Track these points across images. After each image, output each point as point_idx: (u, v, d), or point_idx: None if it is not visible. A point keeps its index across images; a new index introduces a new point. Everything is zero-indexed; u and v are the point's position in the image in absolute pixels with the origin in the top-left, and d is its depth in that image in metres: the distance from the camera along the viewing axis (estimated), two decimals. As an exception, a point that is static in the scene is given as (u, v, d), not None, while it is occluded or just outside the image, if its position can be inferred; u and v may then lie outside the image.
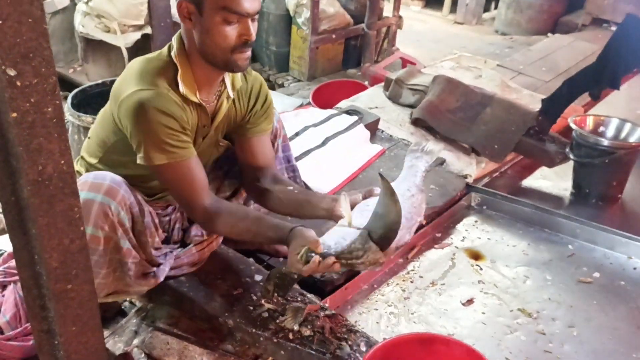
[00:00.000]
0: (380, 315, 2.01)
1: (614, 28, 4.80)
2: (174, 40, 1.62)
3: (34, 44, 0.90)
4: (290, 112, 3.08)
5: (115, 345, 1.71)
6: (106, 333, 1.75)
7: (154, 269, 1.69)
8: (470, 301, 2.07)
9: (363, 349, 1.60)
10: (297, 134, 2.66)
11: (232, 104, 1.75)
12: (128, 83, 1.55)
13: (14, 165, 1.00)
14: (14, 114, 0.92)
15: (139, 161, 1.55)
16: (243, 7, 1.49)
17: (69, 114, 2.54)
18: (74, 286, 1.12)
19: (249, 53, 1.60)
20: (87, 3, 3.87)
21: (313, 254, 1.49)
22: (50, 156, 0.99)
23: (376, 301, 2.08)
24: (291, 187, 1.79)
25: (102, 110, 1.72)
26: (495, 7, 6.74)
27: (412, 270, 2.24)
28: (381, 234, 1.71)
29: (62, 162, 1.00)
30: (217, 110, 1.71)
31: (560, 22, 5.90)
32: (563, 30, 5.66)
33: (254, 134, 1.81)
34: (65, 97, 2.69)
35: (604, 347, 1.87)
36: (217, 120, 1.72)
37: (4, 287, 1.71)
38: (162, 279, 1.70)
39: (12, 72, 0.89)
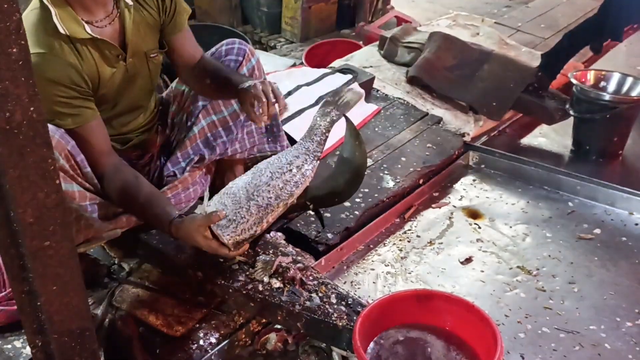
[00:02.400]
0: (377, 275, 1.97)
1: (614, -17, 4.66)
2: None
3: (-9, -25, 0.82)
4: (282, 71, 3.00)
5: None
6: (94, 297, 1.71)
7: None
8: (468, 260, 2.03)
9: (333, 301, 1.56)
10: (289, 94, 2.58)
11: (140, 11, 1.65)
12: None
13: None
14: (-26, 55, 0.85)
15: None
16: None
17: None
18: (52, 243, 1.06)
19: None
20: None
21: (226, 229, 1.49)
22: (18, 102, 0.91)
23: (373, 261, 2.03)
24: (213, 69, 1.77)
25: None
26: (493, -34, 6.56)
27: (409, 230, 2.19)
28: (348, 178, 1.67)
29: (32, 109, 0.93)
30: (123, 24, 1.61)
31: (559, -21, 5.74)
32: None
33: (170, 35, 1.75)
34: None
35: (605, 302, 1.84)
36: (130, 36, 1.62)
37: (-14, 251, 1.65)
38: (134, 218, 1.67)
39: (-32, 8, 0.82)
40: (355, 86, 1.80)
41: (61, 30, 1.47)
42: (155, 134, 1.89)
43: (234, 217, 1.54)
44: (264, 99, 1.59)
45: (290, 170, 1.60)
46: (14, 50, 0.87)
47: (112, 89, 1.62)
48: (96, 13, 1.54)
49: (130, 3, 1.61)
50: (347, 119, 1.61)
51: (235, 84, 1.68)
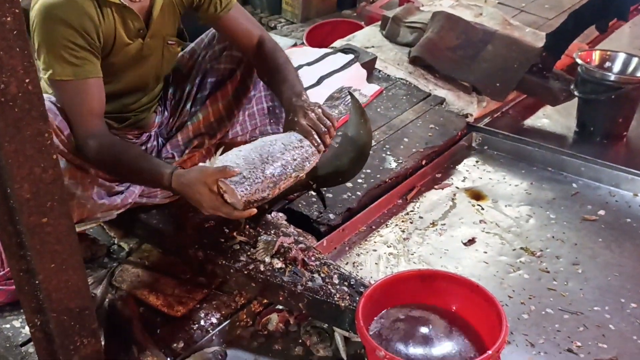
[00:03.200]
0: (379, 256, 1.95)
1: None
2: None
3: (-17, -61, 0.79)
4: (287, 50, 2.95)
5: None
6: (94, 277, 1.69)
7: (122, 188, 1.61)
8: (471, 241, 2.01)
9: (336, 281, 1.55)
10: (290, 73, 2.54)
11: None
12: None
13: (-25, 87, 0.90)
14: (-34, 23, 0.82)
15: (41, 70, 1.45)
16: None
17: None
18: (50, 220, 1.04)
19: None
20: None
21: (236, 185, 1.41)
22: (13, 74, 0.89)
23: (375, 242, 2.02)
24: (272, 61, 1.73)
25: None
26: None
27: (412, 211, 2.17)
28: (353, 157, 1.64)
29: (27, 80, 0.91)
30: (152, 7, 1.58)
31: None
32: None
33: (217, 16, 1.70)
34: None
35: (609, 284, 1.82)
36: (155, 17, 1.60)
37: (-15, 230, 1.63)
38: (130, 200, 1.63)
39: (-41, -28, 0.79)
40: (365, 88, 1.78)
41: None
42: (154, 113, 1.86)
43: (249, 176, 1.45)
44: (314, 134, 1.57)
45: (302, 146, 1.56)
46: (8, 19, 0.85)
47: (123, 61, 1.59)
48: None
49: None
50: (353, 97, 1.58)
51: (285, 101, 1.66)
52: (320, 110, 1.61)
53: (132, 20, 1.56)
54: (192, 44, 1.87)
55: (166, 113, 1.89)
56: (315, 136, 1.57)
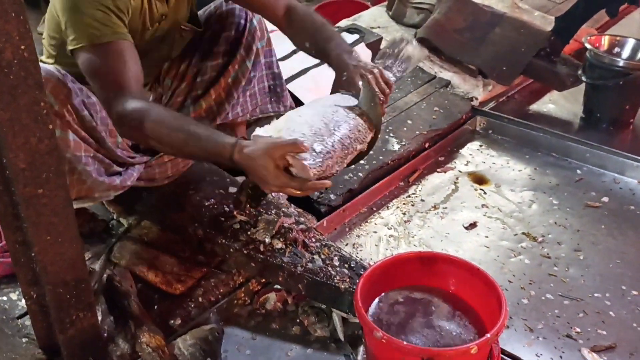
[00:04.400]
0: (379, 238, 1.94)
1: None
2: None
3: None
4: (288, 30, 2.91)
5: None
6: (92, 252, 1.68)
7: (120, 169, 1.58)
8: (473, 225, 2.00)
9: (336, 263, 1.54)
10: (294, 52, 2.50)
11: None
12: None
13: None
14: (-40, -15, 0.79)
15: (69, 47, 1.39)
16: None
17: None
18: (46, 191, 1.03)
19: None
20: None
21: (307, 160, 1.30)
22: (8, 39, 0.87)
23: (375, 224, 2.00)
24: (310, 24, 1.68)
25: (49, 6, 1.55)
26: None
27: (414, 194, 2.15)
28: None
29: (23, 47, 0.88)
30: None
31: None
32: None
33: None
34: None
35: (610, 271, 1.81)
36: (172, 3, 1.57)
37: (-18, 201, 1.62)
38: (129, 182, 1.60)
39: None
40: (413, 42, 1.68)
41: None
42: (150, 90, 1.83)
43: (320, 150, 1.34)
44: (382, 96, 1.49)
45: (362, 115, 1.49)
46: (3, -18, 0.82)
47: (137, 42, 1.54)
48: None
49: None
50: (364, 77, 1.53)
51: (334, 59, 1.58)
52: (378, 72, 1.52)
53: (157, 4, 1.53)
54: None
55: (160, 90, 1.86)
56: (381, 96, 1.49)
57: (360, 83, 1.52)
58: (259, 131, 1.41)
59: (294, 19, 1.70)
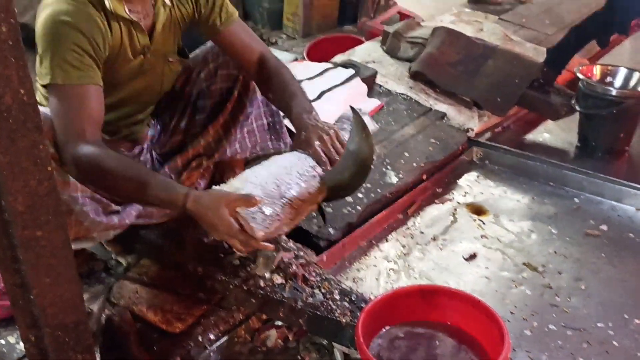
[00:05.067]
0: (379, 272, 1.93)
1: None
2: None
3: (-21, -51, 0.79)
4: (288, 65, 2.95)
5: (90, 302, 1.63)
6: (91, 292, 1.67)
7: (118, 208, 1.57)
8: (473, 256, 1.99)
9: (337, 297, 1.53)
10: (291, 88, 2.54)
11: (172, 10, 1.63)
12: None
13: (-29, 98, 0.89)
14: (-39, 33, 0.81)
15: (39, 80, 1.42)
16: None
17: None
18: (45, 233, 1.02)
19: None
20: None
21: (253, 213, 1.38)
22: (8, 84, 0.88)
23: (375, 257, 2.00)
24: (277, 77, 1.72)
25: None
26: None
27: (412, 226, 2.15)
28: (354, 172, 1.63)
29: (22, 91, 0.89)
30: (155, 22, 1.59)
31: (563, -23, 5.69)
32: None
33: (218, 30, 1.70)
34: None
35: (612, 299, 1.80)
36: (157, 33, 1.60)
37: (-19, 244, 1.61)
38: (127, 221, 1.60)
39: (-47, -18, 0.78)
40: (365, 103, 1.77)
41: (106, 3, 1.46)
42: (147, 126, 1.85)
43: (269, 212, 1.41)
44: (327, 163, 1.56)
45: (315, 175, 1.54)
46: (3, 29, 0.84)
47: (123, 76, 1.59)
48: (135, 3, 1.53)
49: (169, 3, 1.60)
50: (354, 110, 1.56)
51: (295, 118, 1.64)
52: (334, 133, 1.58)
53: (139, 36, 1.56)
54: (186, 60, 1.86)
55: (158, 127, 1.88)
56: (328, 165, 1.56)
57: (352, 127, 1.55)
58: (216, 187, 1.48)
59: (264, 70, 1.75)
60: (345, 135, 1.67)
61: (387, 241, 2.07)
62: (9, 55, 0.86)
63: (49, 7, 1.41)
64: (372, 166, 1.67)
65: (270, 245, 1.45)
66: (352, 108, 1.70)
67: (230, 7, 1.73)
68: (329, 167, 1.56)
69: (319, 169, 1.56)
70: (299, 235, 1.89)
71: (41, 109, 1.33)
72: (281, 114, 2.02)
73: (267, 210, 1.41)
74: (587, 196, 2.30)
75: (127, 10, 1.51)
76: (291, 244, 1.78)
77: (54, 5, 1.41)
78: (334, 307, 1.51)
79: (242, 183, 1.47)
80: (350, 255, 1.99)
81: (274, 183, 1.47)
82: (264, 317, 1.67)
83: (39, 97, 1.61)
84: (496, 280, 1.89)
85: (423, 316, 1.43)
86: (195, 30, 1.75)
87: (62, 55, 1.39)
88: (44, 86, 1.44)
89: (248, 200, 1.38)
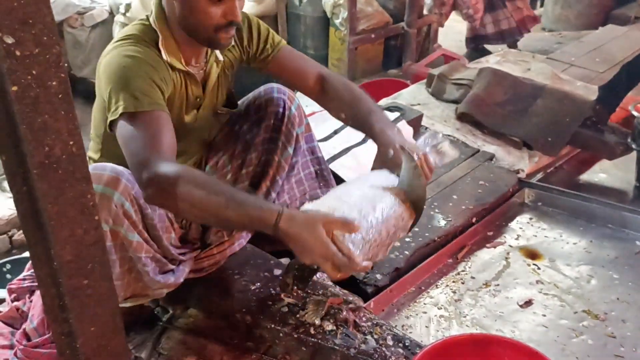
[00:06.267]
0: (429, 319, 1.86)
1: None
2: (153, 3, 1.53)
3: (33, 8, 0.82)
4: (329, 111, 2.97)
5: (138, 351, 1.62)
6: (139, 339, 1.67)
7: (173, 267, 1.57)
8: (528, 302, 1.90)
9: (390, 342, 1.47)
10: (335, 132, 2.54)
11: (224, 63, 1.65)
12: (108, 48, 1.48)
13: (23, 151, 0.92)
14: (15, 87, 0.84)
15: (109, 118, 1.38)
16: None
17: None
18: (91, 282, 1.03)
19: (233, 32, 1.51)
20: (124, 14, 3.89)
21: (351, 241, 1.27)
22: (58, 136, 0.90)
23: (425, 304, 1.93)
24: (348, 93, 1.67)
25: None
26: (542, 5, 6.48)
27: (463, 271, 2.08)
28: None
29: (71, 142, 0.92)
30: (207, 77, 1.61)
31: (612, 15, 5.60)
32: (615, 24, 5.37)
33: (268, 61, 1.70)
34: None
35: (684, 351, 1.67)
36: (209, 88, 1.62)
37: (32, 292, 1.65)
38: (181, 279, 1.59)
39: (9, 40, 0.81)
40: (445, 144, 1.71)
41: (164, 56, 1.49)
42: None
43: (367, 237, 1.32)
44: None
45: (405, 200, 1.47)
46: (54, 83, 0.86)
47: (177, 129, 1.57)
48: (189, 54, 1.56)
49: (221, 59, 1.63)
50: (404, 149, 1.52)
51: (378, 134, 1.57)
52: (423, 156, 1.51)
53: (193, 88, 1.58)
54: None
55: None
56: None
57: (403, 164, 1.51)
58: (308, 206, 1.37)
59: (328, 89, 1.71)
60: (433, 161, 1.59)
61: (436, 287, 2.01)
62: (60, 109, 0.88)
63: (112, 51, 1.45)
64: (424, 207, 1.62)
65: (370, 264, 1.33)
66: (401, 148, 1.65)
67: (277, 36, 1.74)
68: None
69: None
70: (345, 282, 1.85)
71: (113, 166, 1.39)
72: (340, 163, 2.01)
73: (367, 235, 1.31)
74: (649, 238, 2.18)
75: (183, 62, 1.54)
76: (338, 289, 1.74)
77: (118, 49, 1.44)
78: (387, 353, 1.46)
79: (337, 202, 1.37)
80: (399, 302, 1.94)
81: (370, 205, 1.38)
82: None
83: (92, 149, 1.66)
84: (555, 329, 1.79)
85: (477, 368, 1.36)
86: (244, 67, 1.77)
87: (132, 85, 1.38)
88: (113, 122, 1.39)
89: (348, 224, 1.27)
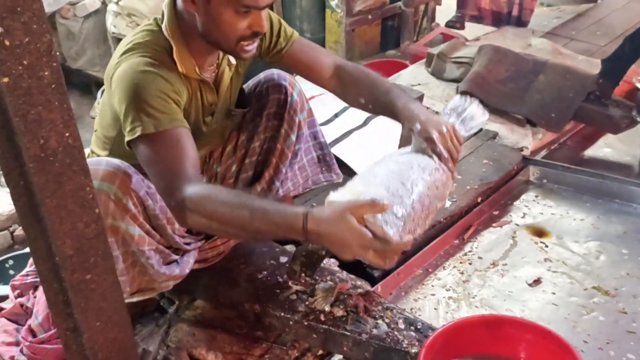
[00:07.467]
0: (438, 301, 1.84)
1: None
2: (165, 9, 1.46)
3: (20, -5, 0.79)
4: (329, 94, 2.93)
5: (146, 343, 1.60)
6: (146, 332, 1.65)
7: (177, 257, 1.54)
8: (537, 281, 1.88)
9: (402, 326, 1.45)
10: (336, 115, 2.52)
11: (237, 62, 1.61)
12: (117, 55, 1.43)
13: (18, 144, 0.89)
14: (6, 79, 0.81)
15: (126, 137, 1.35)
16: (258, 1, 1.35)
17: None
18: (94, 276, 1.01)
19: (257, 43, 1.46)
20: (117, 3, 3.83)
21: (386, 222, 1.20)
22: (53, 128, 0.87)
23: (433, 286, 1.91)
24: (365, 79, 1.63)
25: (101, 101, 1.56)
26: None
27: (470, 252, 2.06)
28: None
29: (67, 134, 0.89)
30: (220, 79, 1.58)
31: (611, -13, 5.53)
32: (615, -4, 5.30)
33: (281, 55, 1.66)
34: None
35: (697, 324, 1.66)
36: (222, 91, 1.58)
37: (36, 288, 1.63)
38: (187, 271, 1.57)
39: (-3, 29, 0.78)
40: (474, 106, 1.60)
41: (179, 68, 1.44)
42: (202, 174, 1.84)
43: (398, 212, 1.24)
44: (447, 156, 1.43)
45: (438, 168, 1.41)
46: (46, 73, 0.84)
47: (197, 133, 1.54)
48: (203, 61, 1.51)
49: (234, 62, 1.59)
50: (429, 138, 1.47)
51: (401, 110, 1.51)
52: (451, 127, 1.46)
53: (207, 95, 1.55)
54: None
55: (209, 172, 1.86)
56: (450, 162, 1.43)
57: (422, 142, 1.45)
58: (333, 196, 1.30)
59: (344, 77, 1.68)
60: (461, 131, 1.53)
61: (444, 268, 1.99)
62: (53, 99, 0.85)
63: (125, 62, 1.39)
64: None
65: (410, 238, 1.26)
66: (427, 139, 1.58)
67: (289, 28, 1.69)
68: (449, 165, 1.43)
69: (440, 164, 1.42)
70: (351, 266, 1.83)
71: (109, 159, 1.36)
72: (342, 146, 1.98)
73: (399, 212, 1.25)
74: (658, 212, 2.16)
75: (197, 70, 1.49)
76: (345, 275, 1.72)
77: (129, 60, 1.38)
78: (400, 337, 1.44)
79: (362, 185, 1.31)
80: (406, 285, 1.92)
81: (398, 181, 1.32)
82: (320, 352, 1.61)
83: (97, 146, 1.63)
84: (565, 306, 1.77)
85: (488, 349, 1.34)
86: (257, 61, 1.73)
87: (150, 104, 1.33)
88: (132, 141, 1.35)
89: (376, 205, 1.20)
